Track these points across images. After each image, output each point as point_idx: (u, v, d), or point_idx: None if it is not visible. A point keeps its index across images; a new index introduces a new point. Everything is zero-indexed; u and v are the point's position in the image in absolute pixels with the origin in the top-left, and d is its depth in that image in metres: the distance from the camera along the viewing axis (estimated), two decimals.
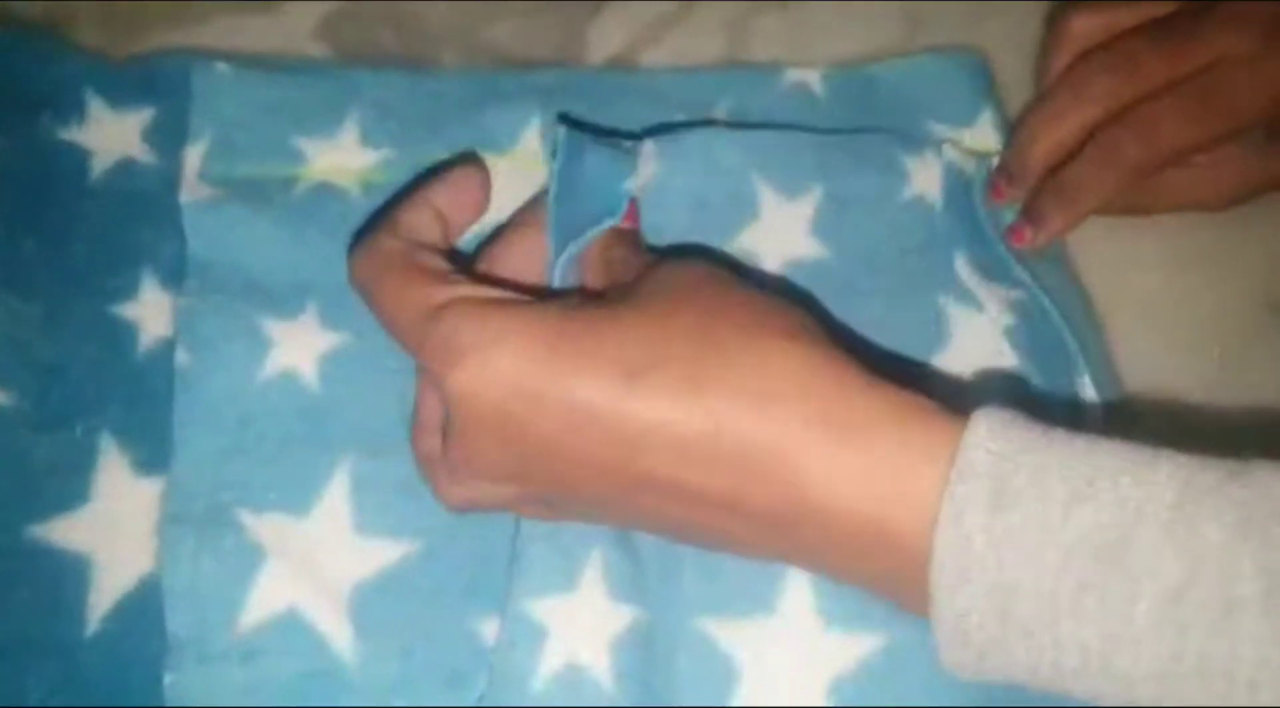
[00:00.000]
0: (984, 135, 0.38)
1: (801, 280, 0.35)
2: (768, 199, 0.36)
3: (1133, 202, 0.36)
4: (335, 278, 0.35)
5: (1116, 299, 0.37)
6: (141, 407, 0.33)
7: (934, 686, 0.30)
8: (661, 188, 0.36)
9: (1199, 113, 0.34)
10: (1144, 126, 0.34)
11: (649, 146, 0.36)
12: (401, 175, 0.37)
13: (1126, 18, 0.36)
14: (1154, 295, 0.38)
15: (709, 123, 0.38)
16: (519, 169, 0.37)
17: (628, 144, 0.36)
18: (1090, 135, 0.35)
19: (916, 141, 0.37)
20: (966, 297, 0.35)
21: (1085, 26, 0.36)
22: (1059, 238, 0.36)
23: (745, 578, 0.31)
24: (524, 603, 0.31)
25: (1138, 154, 0.35)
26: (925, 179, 0.37)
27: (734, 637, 0.31)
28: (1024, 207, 0.36)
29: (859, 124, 0.38)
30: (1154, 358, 0.36)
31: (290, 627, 0.31)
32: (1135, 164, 0.35)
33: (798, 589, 0.31)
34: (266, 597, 0.31)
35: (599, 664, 0.30)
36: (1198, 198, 0.37)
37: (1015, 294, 0.35)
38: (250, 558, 0.31)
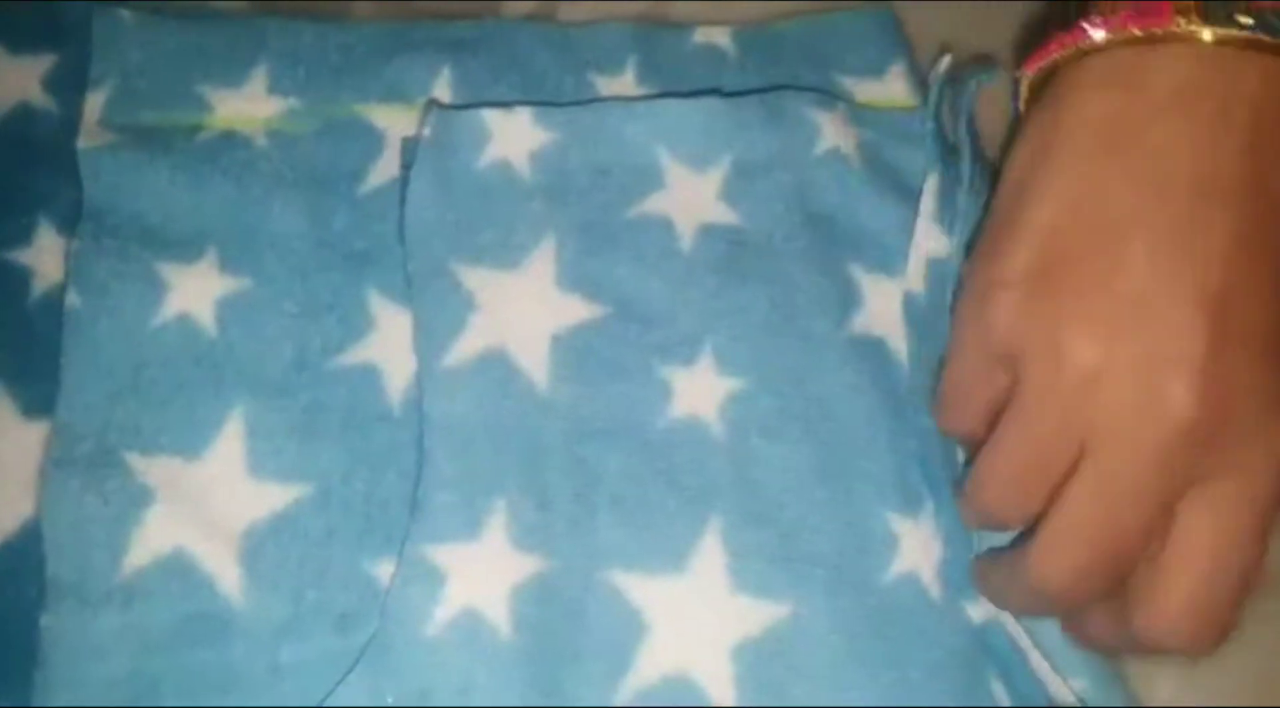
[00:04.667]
0: (894, 87, 0.38)
1: (719, 246, 0.35)
2: (674, 172, 0.36)
3: None
4: (236, 223, 0.35)
5: None
6: (33, 352, 0.32)
7: (837, 659, 0.30)
8: (560, 155, 0.35)
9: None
10: None
11: (535, 112, 0.36)
12: (309, 125, 0.36)
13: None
14: None
15: (614, 98, 0.37)
16: None
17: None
18: None
19: (827, 97, 0.37)
20: (881, 261, 0.35)
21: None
22: None
23: (660, 534, 0.31)
24: (422, 548, 0.30)
25: None
26: (838, 133, 0.36)
27: (645, 591, 0.30)
28: None
29: (769, 81, 0.38)
30: None
31: (176, 568, 0.30)
32: None
33: (712, 550, 0.31)
34: (152, 538, 0.30)
35: (498, 612, 0.30)
36: None
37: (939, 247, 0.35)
38: (137, 500, 0.30)
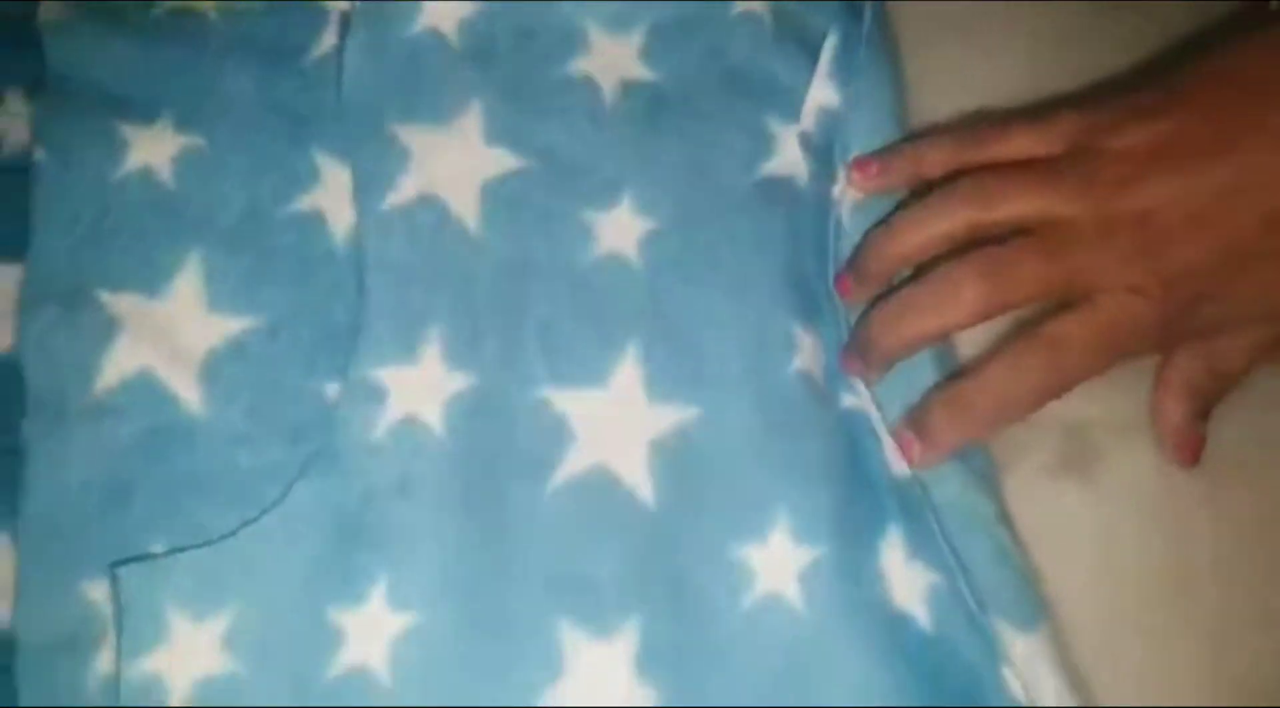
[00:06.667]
0: None
1: (640, 102, 0.38)
2: (596, 35, 0.38)
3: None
4: (190, 88, 0.37)
5: None
6: (5, 203, 0.35)
7: (741, 446, 0.33)
8: (486, 23, 0.38)
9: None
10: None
11: None
12: (258, 2, 0.39)
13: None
14: None
15: None
16: None
17: None
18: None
19: None
20: (794, 111, 0.38)
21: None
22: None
23: (583, 356, 0.34)
24: (365, 370, 0.34)
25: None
26: None
27: (569, 402, 0.34)
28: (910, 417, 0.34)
29: None
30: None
31: (143, 387, 0.33)
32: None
33: (630, 368, 0.34)
34: (121, 361, 0.33)
35: (433, 418, 0.33)
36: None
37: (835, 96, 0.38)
38: (106, 329, 0.34)
